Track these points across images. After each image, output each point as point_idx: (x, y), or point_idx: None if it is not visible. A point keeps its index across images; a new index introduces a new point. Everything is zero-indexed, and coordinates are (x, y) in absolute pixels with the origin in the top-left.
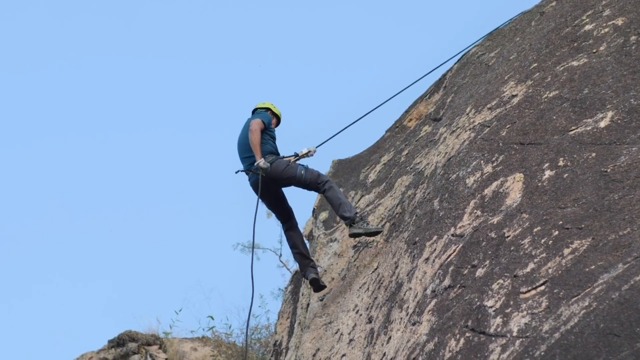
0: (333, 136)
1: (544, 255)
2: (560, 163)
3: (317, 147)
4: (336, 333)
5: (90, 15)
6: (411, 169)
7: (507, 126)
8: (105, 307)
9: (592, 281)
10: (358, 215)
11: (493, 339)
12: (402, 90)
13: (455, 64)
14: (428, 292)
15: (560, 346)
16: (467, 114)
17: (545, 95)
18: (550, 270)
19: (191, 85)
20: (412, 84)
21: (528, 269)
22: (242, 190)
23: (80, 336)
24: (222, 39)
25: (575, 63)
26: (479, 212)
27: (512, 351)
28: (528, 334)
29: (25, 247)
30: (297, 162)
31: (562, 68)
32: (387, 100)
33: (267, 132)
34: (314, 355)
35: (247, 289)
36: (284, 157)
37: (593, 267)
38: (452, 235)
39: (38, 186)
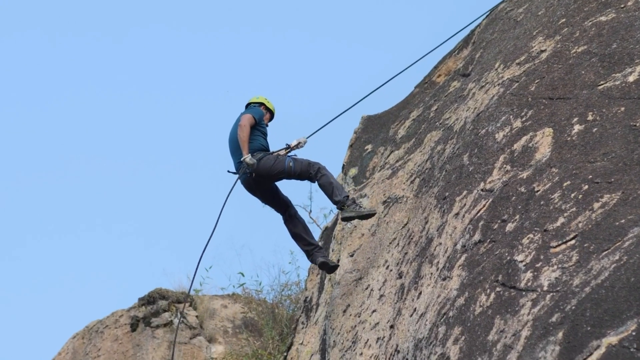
0: (326, 124)
1: (574, 209)
2: (590, 117)
3: (307, 138)
4: (366, 289)
5: None
6: (440, 124)
7: (536, 81)
8: (136, 265)
9: (622, 235)
10: (350, 198)
11: (524, 293)
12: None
13: (483, 19)
14: (458, 247)
15: (591, 300)
16: (496, 70)
17: (574, 50)
18: (580, 225)
19: (217, 53)
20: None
21: (558, 223)
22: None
23: (111, 294)
24: (225, 9)
25: (603, 18)
26: (508, 167)
27: (543, 305)
28: (559, 289)
29: (52, 206)
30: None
31: (590, 23)
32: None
33: (258, 128)
34: (345, 311)
35: (278, 246)
36: (273, 152)
37: (623, 221)
38: (482, 190)
39: (75, 141)
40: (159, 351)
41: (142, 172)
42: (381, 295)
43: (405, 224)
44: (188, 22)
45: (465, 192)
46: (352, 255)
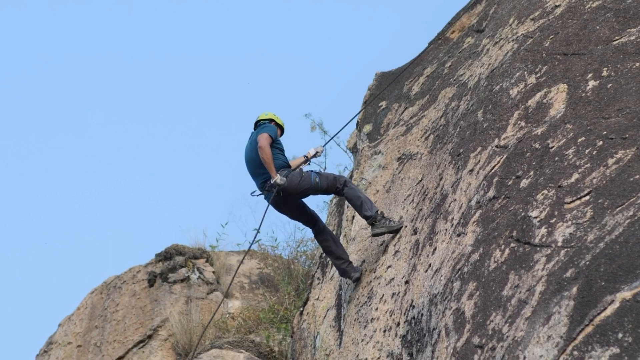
0: (338, 132)
1: (588, 165)
2: (604, 73)
3: (323, 146)
4: (381, 245)
5: None
6: (454, 80)
7: (551, 37)
8: (152, 221)
9: (636, 191)
10: (379, 212)
11: (538, 249)
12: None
13: None
14: (473, 203)
15: (605, 255)
16: (510, 25)
17: (589, 5)
18: (594, 180)
19: (234, 25)
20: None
21: (572, 179)
22: (291, 112)
23: (128, 250)
24: None
25: None
26: (522, 123)
27: (557, 261)
28: (573, 244)
29: (70, 164)
30: (309, 166)
31: None
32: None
33: (276, 145)
34: (360, 266)
35: None
36: (296, 167)
37: (637, 176)
38: (496, 146)
39: (95, 99)
40: (176, 306)
41: (158, 131)
42: (396, 251)
43: (420, 181)
44: None
45: (479, 149)
46: None
